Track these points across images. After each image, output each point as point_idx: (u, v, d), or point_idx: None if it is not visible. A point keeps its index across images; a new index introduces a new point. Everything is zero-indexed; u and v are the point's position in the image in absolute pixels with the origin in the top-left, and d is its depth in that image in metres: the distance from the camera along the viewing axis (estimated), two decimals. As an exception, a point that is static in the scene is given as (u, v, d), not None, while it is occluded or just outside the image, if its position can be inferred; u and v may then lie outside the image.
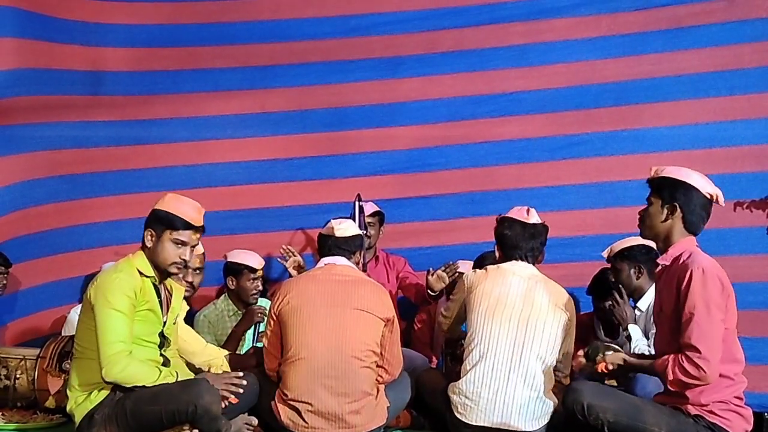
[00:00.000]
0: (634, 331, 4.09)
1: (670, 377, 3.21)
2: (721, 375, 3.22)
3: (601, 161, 5.13)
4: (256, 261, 4.68)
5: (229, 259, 4.73)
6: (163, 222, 3.47)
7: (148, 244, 3.47)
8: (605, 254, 4.41)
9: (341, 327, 3.61)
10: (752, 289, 4.74)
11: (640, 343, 4.03)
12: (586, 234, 5.07)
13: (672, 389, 3.25)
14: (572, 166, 5.16)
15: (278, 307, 3.68)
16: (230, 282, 4.71)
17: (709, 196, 3.36)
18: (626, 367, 3.46)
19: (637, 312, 4.25)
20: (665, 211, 3.37)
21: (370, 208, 4.93)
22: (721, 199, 3.39)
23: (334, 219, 3.99)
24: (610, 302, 4.23)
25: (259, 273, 4.68)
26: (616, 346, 3.66)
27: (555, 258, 4.90)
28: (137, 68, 5.37)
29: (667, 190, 3.37)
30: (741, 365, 3.34)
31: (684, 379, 3.18)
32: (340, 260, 3.82)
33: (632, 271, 4.25)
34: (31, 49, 5.03)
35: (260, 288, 4.69)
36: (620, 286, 4.26)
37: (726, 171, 4.92)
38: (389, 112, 5.16)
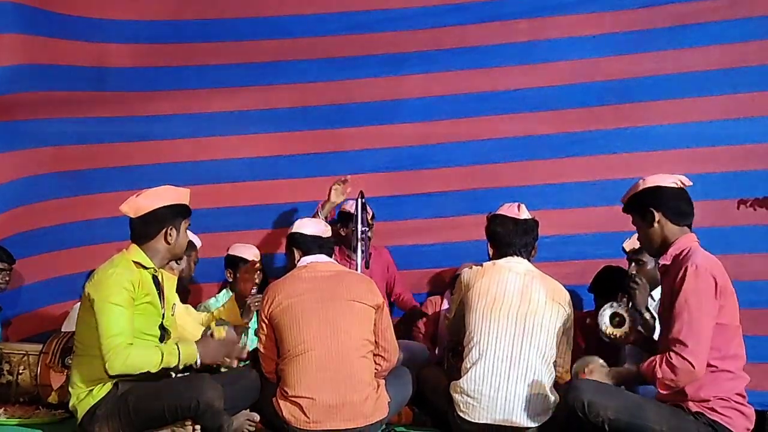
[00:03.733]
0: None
1: (659, 375, 3.21)
2: (722, 369, 3.23)
3: (605, 159, 5.12)
4: (250, 253, 4.71)
5: (228, 252, 4.78)
6: (178, 215, 3.54)
7: (171, 240, 3.51)
8: (627, 247, 4.40)
9: (335, 319, 3.63)
10: (755, 287, 4.74)
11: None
12: (589, 232, 5.07)
13: (662, 391, 3.25)
14: (575, 164, 5.16)
15: (269, 310, 3.70)
16: (228, 274, 4.79)
17: (675, 185, 3.41)
18: (616, 380, 3.44)
19: (650, 300, 4.26)
20: (647, 220, 3.43)
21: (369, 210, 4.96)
22: (686, 181, 3.44)
23: (311, 221, 4.04)
24: (633, 285, 4.22)
25: (254, 265, 4.69)
26: (602, 361, 3.60)
27: (558, 256, 4.92)
28: (140, 64, 5.35)
29: (635, 205, 3.49)
30: (742, 361, 3.34)
31: (672, 376, 3.18)
32: (323, 258, 3.85)
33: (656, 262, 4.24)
34: (35, 45, 5.02)
35: (256, 280, 4.69)
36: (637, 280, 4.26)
37: (729, 169, 4.94)
38: (392, 108, 5.15)
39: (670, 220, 3.39)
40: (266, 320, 3.72)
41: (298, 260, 3.88)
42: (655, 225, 3.41)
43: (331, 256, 3.92)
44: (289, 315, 3.64)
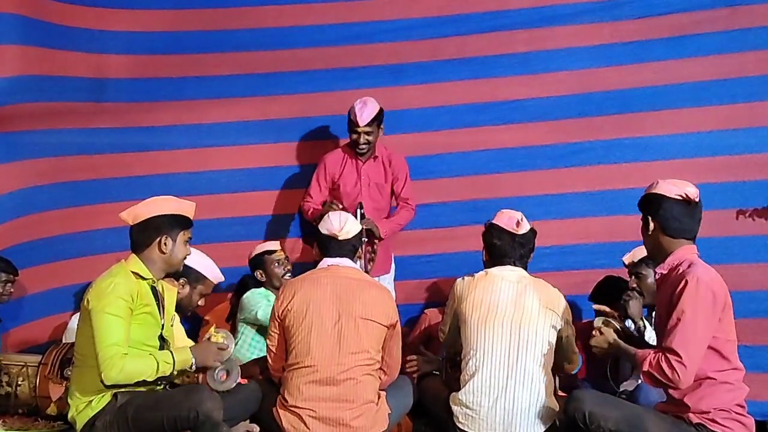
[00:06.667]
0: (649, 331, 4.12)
1: (645, 368, 3.21)
2: (721, 381, 3.23)
3: (604, 169, 5.14)
4: (271, 244, 4.72)
5: (252, 255, 4.77)
6: (176, 225, 3.50)
7: (165, 250, 3.47)
8: (626, 260, 4.40)
9: (345, 337, 3.60)
10: (755, 297, 4.74)
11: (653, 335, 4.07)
12: (589, 242, 5.08)
13: (644, 381, 3.29)
14: (574, 174, 5.16)
15: (282, 311, 3.66)
16: (259, 275, 4.74)
17: (679, 198, 3.36)
18: (614, 346, 3.45)
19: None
20: (644, 225, 3.43)
21: (371, 110, 4.83)
22: (693, 195, 3.36)
23: (333, 215, 3.90)
24: (626, 296, 4.23)
25: (280, 254, 4.72)
26: (620, 327, 3.62)
27: (557, 266, 4.92)
28: (140, 75, 5.36)
29: (642, 207, 3.46)
30: (741, 372, 3.33)
31: (657, 375, 3.18)
32: (344, 261, 3.78)
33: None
34: (34, 56, 5.01)
35: (289, 268, 4.71)
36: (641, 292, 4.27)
37: (728, 179, 4.94)
38: (392, 119, 5.13)
39: (664, 233, 3.37)
40: (278, 319, 3.68)
41: (318, 257, 3.84)
42: (650, 232, 3.40)
43: (353, 260, 3.83)
44: (300, 324, 3.61)
